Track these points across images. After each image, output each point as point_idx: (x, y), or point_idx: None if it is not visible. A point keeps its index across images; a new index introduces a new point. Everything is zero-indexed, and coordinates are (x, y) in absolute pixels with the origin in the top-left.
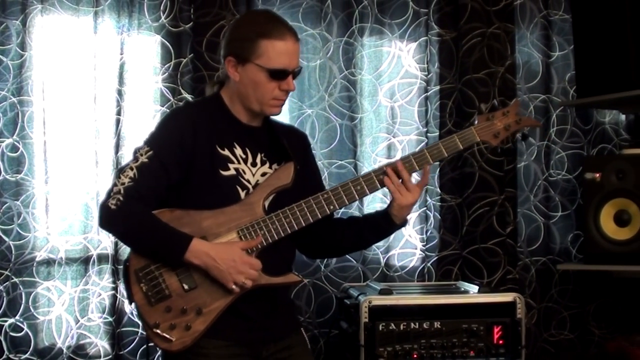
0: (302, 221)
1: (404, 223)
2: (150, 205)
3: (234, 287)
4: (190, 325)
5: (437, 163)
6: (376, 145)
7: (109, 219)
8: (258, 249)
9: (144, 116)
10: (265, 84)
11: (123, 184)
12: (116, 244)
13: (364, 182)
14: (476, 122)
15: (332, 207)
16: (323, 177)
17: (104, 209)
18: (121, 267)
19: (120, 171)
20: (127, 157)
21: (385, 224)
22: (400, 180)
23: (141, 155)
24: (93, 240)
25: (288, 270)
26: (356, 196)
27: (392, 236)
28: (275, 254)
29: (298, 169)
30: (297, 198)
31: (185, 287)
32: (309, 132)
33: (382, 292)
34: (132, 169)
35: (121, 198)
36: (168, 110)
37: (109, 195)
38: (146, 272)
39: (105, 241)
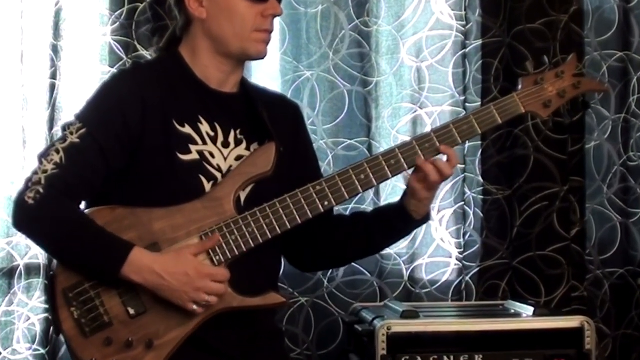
0: (286, 222)
1: (425, 218)
2: (80, 201)
3: (194, 307)
4: None
5: (474, 142)
6: (397, 119)
7: (25, 217)
8: (228, 259)
9: (88, 80)
10: (243, 9)
11: (45, 171)
12: None
13: (369, 168)
14: (520, 86)
15: (326, 203)
16: (327, 162)
17: (19, 203)
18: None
19: (43, 155)
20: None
21: (400, 220)
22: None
23: (71, 133)
24: (20, 246)
25: (271, 287)
26: (359, 188)
27: (417, 240)
28: (254, 267)
29: (282, 151)
30: (283, 191)
31: (131, 311)
32: (307, 101)
33: (406, 315)
34: (57, 151)
35: (41, 190)
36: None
37: (27, 185)
38: (78, 292)
39: (35, 247)
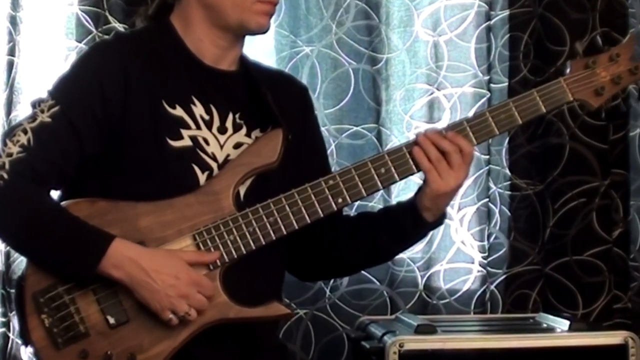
0: (293, 222)
1: (441, 220)
2: (49, 189)
3: (171, 317)
4: None
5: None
6: (410, 102)
7: None
8: (225, 262)
9: (51, 57)
10: None
11: (10, 154)
12: (7, 256)
13: (390, 161)
14: (567, 70)
15: (340, 200)
16: (329, 153)
17: None
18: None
19: (7, 135)
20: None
21: (412, 222)
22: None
23: (42, 111)
24: None
25: (273, 296)
26: (379, 184)
27: (434, 243)
28: (254, 272)
29: (290, 139)
30: (288, 185)
31: (111, 320)
32: (306, 82)
33: (421, 329)
34: (25, 131)
35: (5, 175)
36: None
37: None
38: (50, 297)
39: None
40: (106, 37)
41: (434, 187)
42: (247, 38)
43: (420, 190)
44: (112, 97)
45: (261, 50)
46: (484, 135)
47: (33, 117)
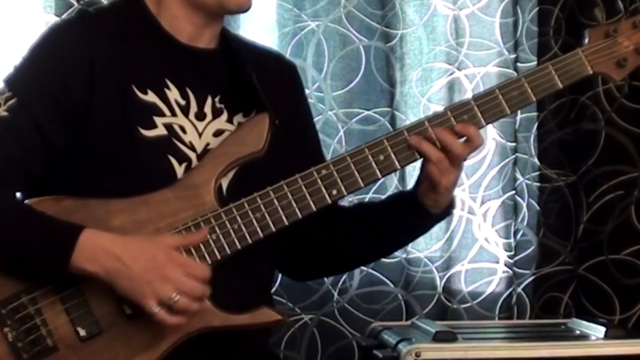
0: (283, 217)
1: (448, 211)
2: (12, 187)
3: (154, 308)
4: None
5: (529, 114)
6: (428, 83)
7: None
8: (208, 264)
9: (28, 34)
10: None
11: None
12: None
13: (390, 146)
14: (586, 40)
15: (334, 192)
16: (337, 139)
17: None
18: None
19: None
20: None
21: (413, 214)
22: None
23: None
24: None
25: (263, 300)
26: (378, 172)
27: (454, 240)
28: (240, 275)
29: (277, 125)
30: (276, 177)
31: (82, 332)
32: (312, 60)
33: (439, 337)
34: None
35: None
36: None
37: None
38: (13, 308)
39: None
40: (65, 17)
41: (435, 186)
42: (245, 14)
43: (418, 185)
44: (76, 85)
45: (262, 25)
46: (494, 115)
47: None
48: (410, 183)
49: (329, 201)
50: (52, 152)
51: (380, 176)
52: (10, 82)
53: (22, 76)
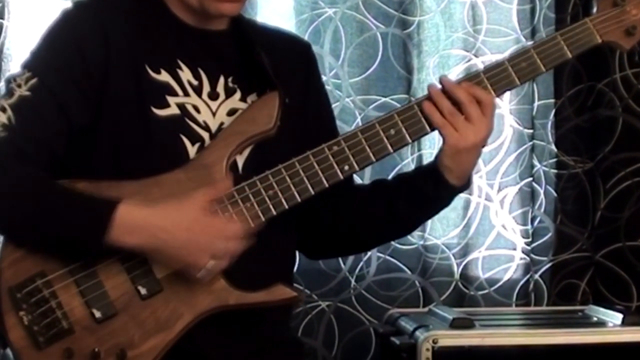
0: (295, 194)
1: (466, 184)
2: (39, 167)
3: (197, 275)
4: None
5: (546, 101)
6: (445, 70)
7: None
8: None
9: (45, 20)
10: None
11: None
12: None
13: (401, 121)
14: (594, 9)
15: (346, 167)
16: (354, 125)
17: None
18: None
19: None
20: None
21: (433, 185)
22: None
23: (19, 86)
24: None
25: (281, 280)
26: (389, 147)
27: (472, 226)
28: (256, 253)
29: (287, 103)
30: (292, 155)
31: (97, 314)
32: (329, 47)
33: (457, 324)
34: (4, 110)
35: None
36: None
37: None
38: (28, 292)
39: None
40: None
41: (452, 143)
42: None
43: (440, 151)
44: (93, 63)
45: (278, 12)
46: (504, 86)
47: (10, 93)
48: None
49: (341, 177)
50: (74, 131)
51: (391, 150)
52: (29, 64)
53: (40, 57)
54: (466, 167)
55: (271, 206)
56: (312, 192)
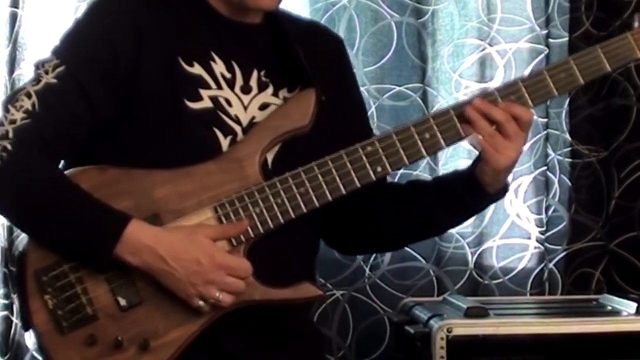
0: (326, 192)
1: (502, 192)
2: (59, 159)
3: (200, 304)
4: None
5: None
6: (460, 58)
7: None
8: (250, 238)
9: (59, 9)
10: None
11: (13, 121)
12: (10, 230)
13: (436, 125)
14: (636, 23)
15: (379, 168)
16: (369, 114)
17: None
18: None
19: (9, 100)
20: (27, 78)
21: (470, 193)
22: (494, 127)
23: (46, 72)
24: None
25: (305, 276)
26: (423, 151)
27: (486, 216)
28: (283, 249)
29: (323, 100)
30: (323, 152)
31: (122, 302)
32: (343, 36)
33: (471, 313)
34: (29, 95)
35: (9, 146)
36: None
37: None
38: (54, 276)
39: None
40: None
41: (493, 165)
42: None
43: (477, 162)
44: (124, 55)
45: (293, 1)
46: (542, 96)
47: (37, 79)
48: (441, 161)
49: (374, 178)
50: (98, 122)
51: (425, 154)
52: (58, 50)
53: (70, 45)
54: (504, 178)
55: (302, 203)
56: (344, 192)
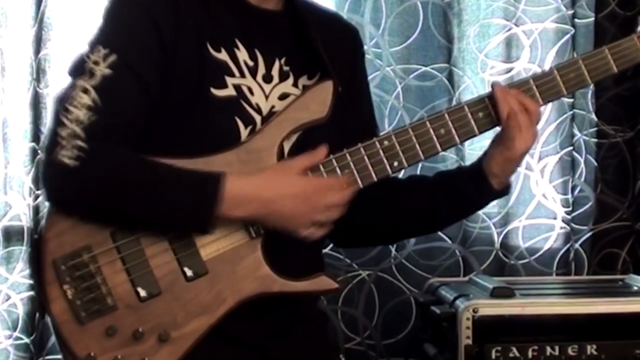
0: None
1: (506, 189)
2: (130, 146)
3: (310, 231)
4: None
5: None
6: (486, 39)
7: (73, 185)
8: (268, 229)
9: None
10: None
11: (79, 120)
12: (36, 210)
13: (451, 121)
14: (639, 27)
15: (395, 163)
16: (395, 95)
17: (57, 170)
18: (31, 253)
19: (64, 99)
20: (53, 59)
21: (477, 189)
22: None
23: (96, 64)
24: None
25: (316, 266)
26: (437, 146)
27: (512, 196)
28: (297, 243)
29: (340, 92)
30: (335, 140)
31: (142, 293)
32: (369, 17)
33: (497, 293)
34: (86, 91)
35: (83, 144)
36: None
37: (54, 142)
38: (74, 264)
39: (18, 205)
40: None
41: (510, 148)
42: None
43: (486, 155)
44: (167, 36)
45: None
46: (552, 95)
47: (89, 73)
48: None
49: (390, 172)
50: (153, 105)
51: (440, 150)
52: (104, 40)
53: (114, 33)
54: (510, 173)
55: None
56: (361, 186)
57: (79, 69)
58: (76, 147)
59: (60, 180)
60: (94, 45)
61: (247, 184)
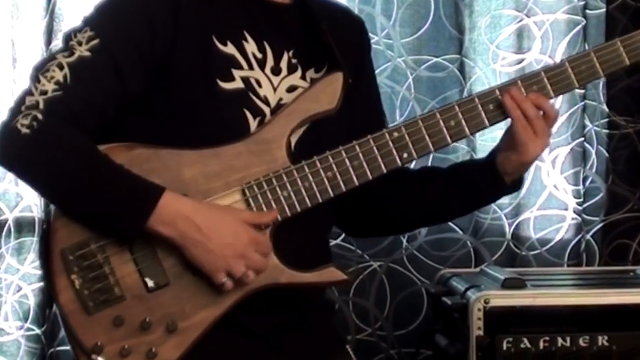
0: (354, 178)
1: (518, 185)
2: (87, 133)
3: (225, 281)
4: (155, 351)
5: None
6: (497, 30)
7: (18, 149)
8: (277, 221)
9: None
10: None
11: (44, 92)
12: (47, 202)
13: (461, 113)
14: None
15: (405, 155)
16: (406, 86)
17: (10, 132)
18: (40, 244)
19: (40, 69)
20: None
21: (489, 184)
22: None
23: (79, 44)
24: (9, 195)
25: (324, 257)
26: (448, 138)
27: (523, 188)
28: (304, 232)
29: (350, 84)
30: (343, 133)
31: (150, 283)
32: (381, 7)
33: (508, 284)
34: (61, 67)
35: (40, 116)
36: None
37: (19, 110)
38: (82, 255)
39: (29, 197)
40: None
41: (522, 154)
42: None
43: (497, 152)
44: (163, 33)
45: None
46: (564, 87)
47: (70, 51)
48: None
49: (400, 164)
50: (128, 98)
51: (450, 142)
52: (94, 22)
53: (106, 18)
54: (524, 171)
55: (329, 188)
56: (371, 177)
57: (64, 44)
58: (33, 117)
59: (11, 145)
60: (83, 25)
61: (184, 204)
